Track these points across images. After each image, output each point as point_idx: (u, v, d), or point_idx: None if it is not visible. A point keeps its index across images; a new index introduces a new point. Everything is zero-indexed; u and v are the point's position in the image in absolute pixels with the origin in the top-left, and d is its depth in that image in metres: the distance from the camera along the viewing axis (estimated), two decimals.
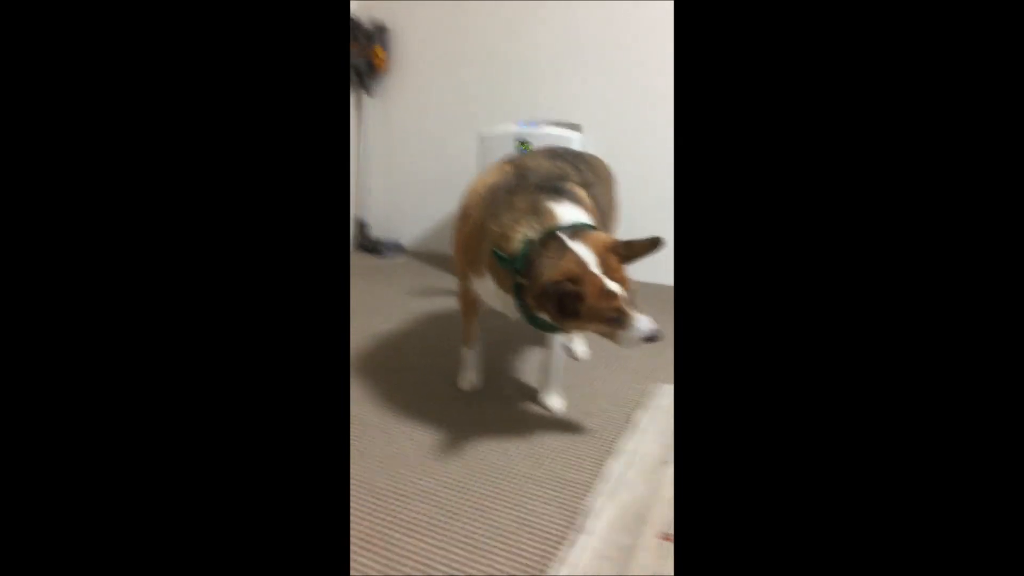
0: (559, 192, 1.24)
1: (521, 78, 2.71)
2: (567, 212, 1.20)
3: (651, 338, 1.10)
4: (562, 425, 1.39)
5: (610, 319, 1.10)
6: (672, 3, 2.39)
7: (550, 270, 1.10)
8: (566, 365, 1.65)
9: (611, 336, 1.13)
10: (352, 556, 0.95)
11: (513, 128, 2.31)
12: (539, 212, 1.19)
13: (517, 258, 1.16)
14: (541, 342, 1.53)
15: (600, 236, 1.16)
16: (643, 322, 1.10)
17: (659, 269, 2.59)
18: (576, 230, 1.16)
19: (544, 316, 1.16)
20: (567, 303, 1.09)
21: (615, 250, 1.13)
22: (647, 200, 2.48)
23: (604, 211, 1.41)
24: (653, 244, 1.12)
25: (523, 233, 1.18)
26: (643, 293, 2.37)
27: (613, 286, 1.09)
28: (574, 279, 1.08)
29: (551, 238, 1.14)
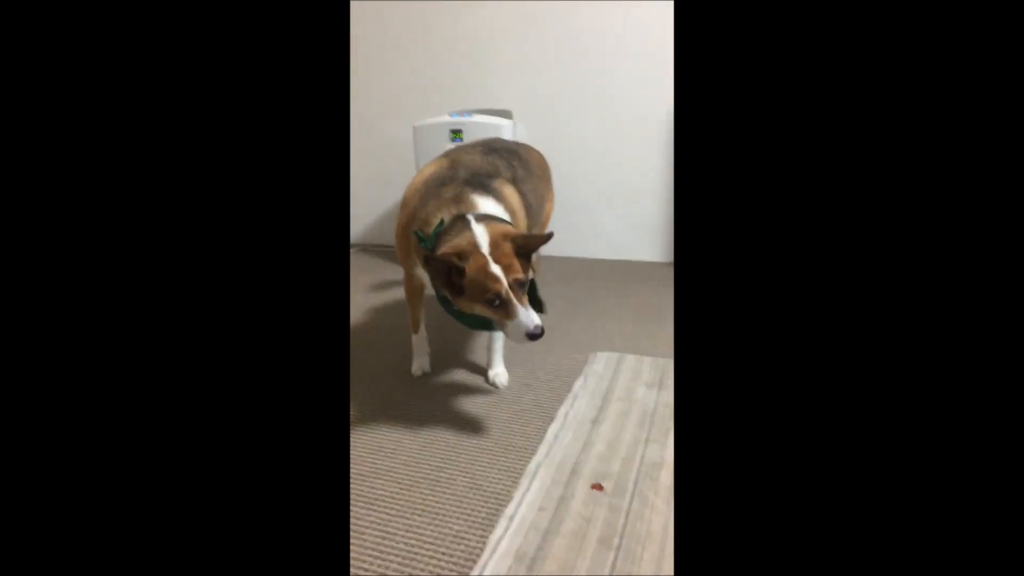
0: (485, 188, 1.35)
1: (453, 67, 2.77)
2: (486, 205, 1.31)
3: (533, 335, 1.16)
4: (507, 398, 1.53)
5: (491, 302, 1.17)
6: None
7: (445, 245, 1.21)
8: (509, 343, 1.78)
9: (501, 326, 1.21)
10: None
11: (446, 118, 2.38)
12: (460, 202, 1.30)
13: (430, 237, 1.27)
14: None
15: (502, 226, 1.24)
16: (528, 316, 1.17)
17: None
18: (487, 218, 1.25)
19: (444, 292, 1.24)
20: (452, 276, 1.18)
21: (512, 239, 1.20)
22: (573, 181, 2.62)
23: (533, 204, 1.52)
24: (546, 238, 1.22)
25: (440, 217, 1.29)
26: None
27: (496, 269, 1.17)
28: (461, 255, 1.18)
29: (459, 220, 1.25)
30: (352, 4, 2.84)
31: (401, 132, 2.80)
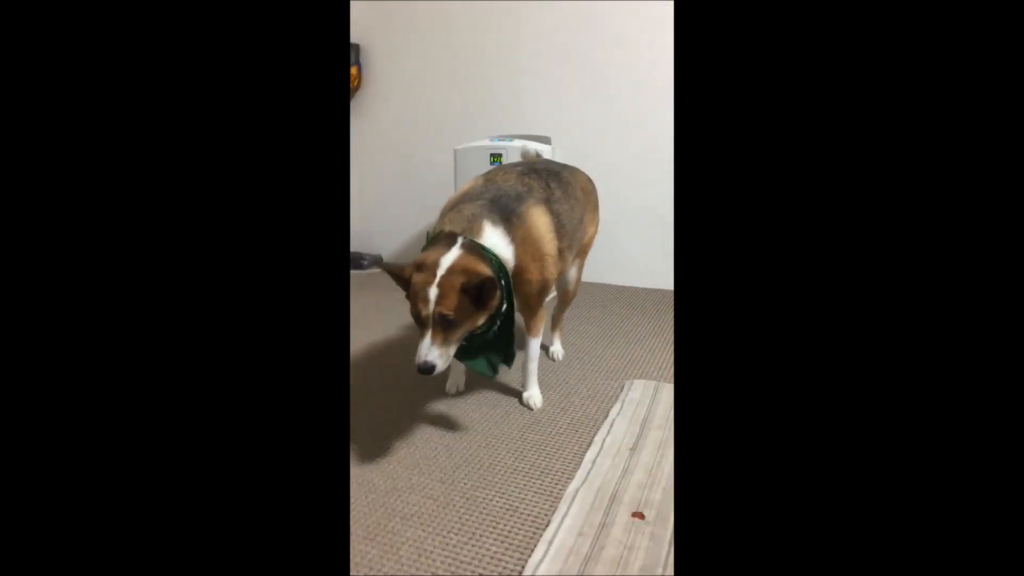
0: (503, 215, 1.35)
1: (494, 94, 2.83)
2: (492, 235, 1.31)
3: (419, 367, 1.20)
4: (542, 421, 1.51)
5: (414, 316, 1.22)
6: (636, 24, 2.54)
7: (420, 253, 1.27)
8: (544, 366, 1.77)
9: None
10: (356, 547, 1.05)
11: (486, 142, 2.43)
12: (473, 222, 1.31)
13: (428, 241, 1.32)
14: (520, 346, 1.64)
15: (473, 260, 1.23)
16: (422, 349, 1.19)
17: (635, 272, 2.75)
18: (474, 247, 1.26)
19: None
20: (403, 282, 1.26)
21: (467, 275, 1.19)
22: (609, 208, 2.63)
23: (567, 224, 1.51)
24: (487, 282, 1.20)
25: (445, 228, 1.32)
26: (620, 295, 2.51)
27: (432, 293, 1.18)
28: (419, 266, 1.23)
29: (450, 236, 1.28)
30: (392, 29, 2.94)
31: (439, 155, 2.86)
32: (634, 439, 1.39)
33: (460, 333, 1.25)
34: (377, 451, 1.37)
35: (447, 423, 1.50)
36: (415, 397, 1.63)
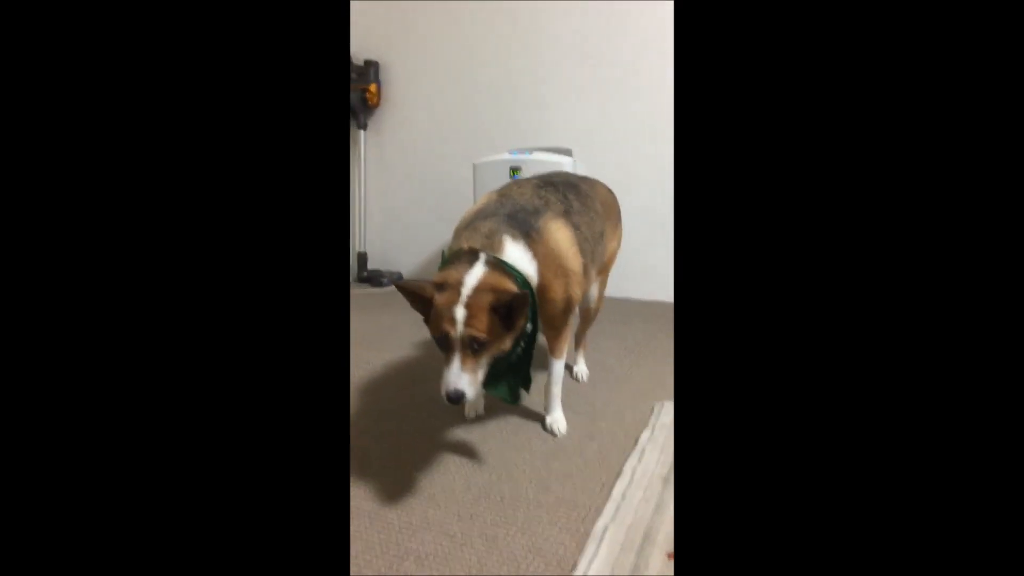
0: (523, 229, 1.26)
1: (512, 107, 2.78)
2: (513, 251, 1.22)
3: (448, 396, 1.10)
4: (567, 449, 1.41)
5: (439, 340, 1.14)
6: (656, 31, 2.47)
7: (439, 272, 1.18)
8: (569, 388, 1.68)
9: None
10: None
11: (506, 156, 2.37)
12: (492, 238, 1.23)
13: (445, 260, 1.24)
14: (543, 367, 1.56)
15: (499, 278, 1.15)
16: (451, 376, 1.10)
17: (659, 286, 2.65)
18: (496, 263, 1.17)
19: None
20: (422, 302, 1.16)
21: (495, 294, 1.11)
22: (630, 220, 2.53)
23: (589, 237, 1.42)
24: (516, 296, 1.11)
25: (467, 246, 1.23)
26: (645, 311, 2.41)
27: (459, 313, 1.10)
28: (441, 286, 1.13)
29: (470, 253, 1.19)
30: (411, 46, 2.92)
31: (458, 170, 2.81)
32: (667, 469, 1.28)
33: (489, 356, 1.16)
34: (392, 483, 1.29)
35: (466, 451, 1.41)
36: (433, 422, 1.55)
